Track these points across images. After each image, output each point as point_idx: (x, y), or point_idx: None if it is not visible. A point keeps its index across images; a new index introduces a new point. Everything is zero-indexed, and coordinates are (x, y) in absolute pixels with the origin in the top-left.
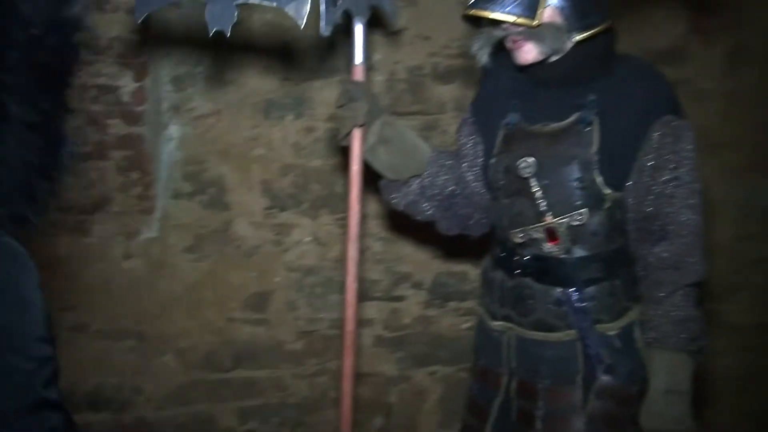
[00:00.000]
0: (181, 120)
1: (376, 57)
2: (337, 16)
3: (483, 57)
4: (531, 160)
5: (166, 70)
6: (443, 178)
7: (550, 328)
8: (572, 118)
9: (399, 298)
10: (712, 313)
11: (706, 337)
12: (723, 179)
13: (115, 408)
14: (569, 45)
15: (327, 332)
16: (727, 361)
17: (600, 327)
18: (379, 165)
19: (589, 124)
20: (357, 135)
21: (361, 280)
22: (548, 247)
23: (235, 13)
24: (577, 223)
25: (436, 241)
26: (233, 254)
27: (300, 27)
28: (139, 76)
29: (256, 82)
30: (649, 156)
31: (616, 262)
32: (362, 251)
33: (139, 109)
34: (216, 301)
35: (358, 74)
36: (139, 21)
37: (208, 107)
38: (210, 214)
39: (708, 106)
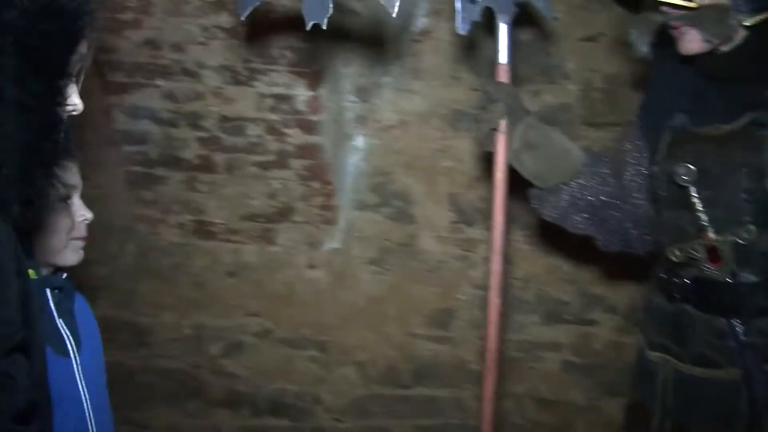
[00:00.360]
0: (367, 131)
1: (570, 66)
2: (476, 13)
3: (643, 47)
4: (690, 166)
5: (346, 80)
6: (597, 188)
7: (711, 364)
8: (745, 119)
9: (590, 322)
10: None
11: None
12: None
13: (294, 415)
14: (740, 32)
15: (512, 354)
16: None
17: None
18: (524, 172)
19: (765, 126)
20: (501, 140)
21: (549, 301)
22: (710, 268)
23: (330, 5)
24: (744, 242)
25: (630, 260)
26: (417, 268)
27: (392, 15)
28: (313, 85)
29: (444, 92)
30: None
31: None
32: (551, 270)
33: (316, 118)
34: (398, 316)
35: (501, 75)
36: (243, 17)
37: (394, 118)
38: (395, 227)
39: None
